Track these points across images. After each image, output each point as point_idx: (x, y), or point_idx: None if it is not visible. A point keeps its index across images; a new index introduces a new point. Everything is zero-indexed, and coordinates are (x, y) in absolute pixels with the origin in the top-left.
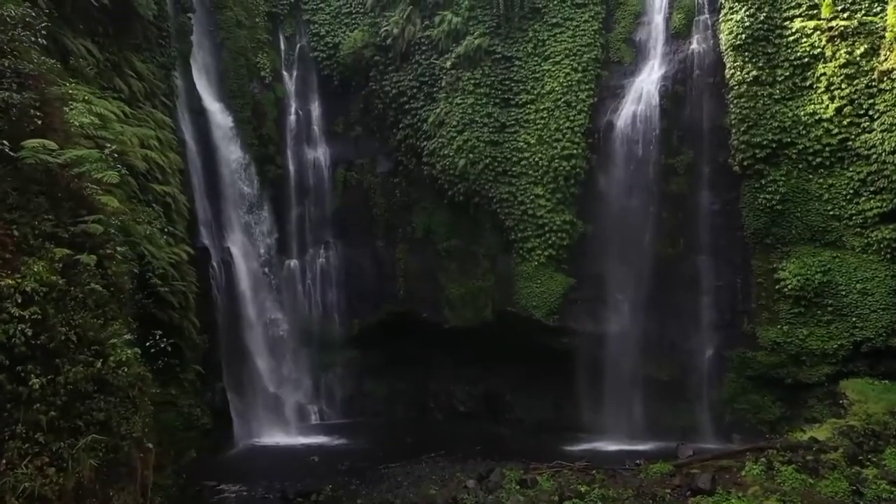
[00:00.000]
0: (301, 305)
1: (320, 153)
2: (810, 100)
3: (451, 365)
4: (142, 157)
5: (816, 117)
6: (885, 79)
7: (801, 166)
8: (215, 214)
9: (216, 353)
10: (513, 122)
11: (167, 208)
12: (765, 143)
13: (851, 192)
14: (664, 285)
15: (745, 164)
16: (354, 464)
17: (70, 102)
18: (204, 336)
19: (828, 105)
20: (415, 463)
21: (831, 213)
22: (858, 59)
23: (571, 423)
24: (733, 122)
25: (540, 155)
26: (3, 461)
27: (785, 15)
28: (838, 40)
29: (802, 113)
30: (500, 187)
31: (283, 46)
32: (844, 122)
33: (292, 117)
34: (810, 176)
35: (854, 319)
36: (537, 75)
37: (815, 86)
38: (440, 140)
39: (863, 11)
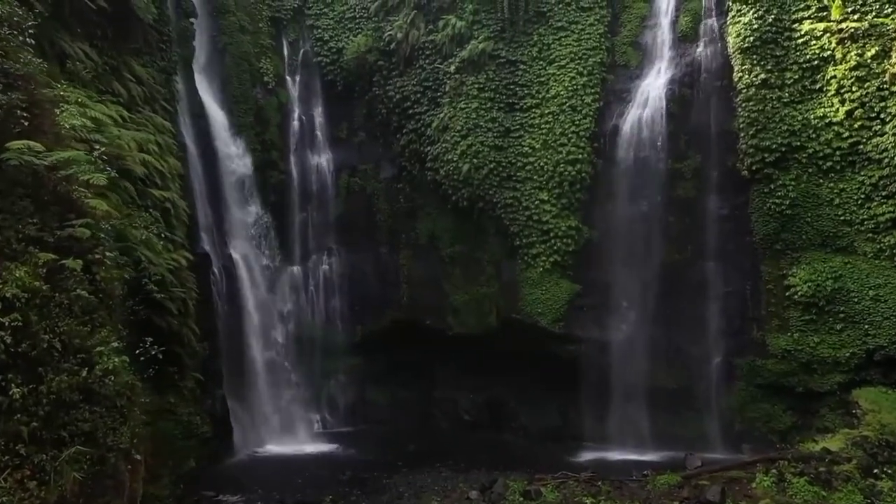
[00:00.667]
0: (303, 312)
1: (324, 158)
2: (820, 103)
3: (455, 372)
4: (140, 161)
5: (826, 121)
6: None
7: (811, 170)
8: (217, 220)
9: (217, 361)
10: (517, 126)
11: (166, 213)
12: (774, 146)
13: (863, 196)
14: (671, 292)
15: (754, 168)
16: (356, 473)
17: (62, 105)
18: (204, 343)
19: (838, 108)
20: (417, 473)
21: (842, 218)
22: (869, 61)
23: (577, 431)
24: (742, 125)
25: (545, 160)
26: None
27: (794, 17)
28: (848, 42)
29: (812, 116)
30: (504, 192)
31: (286, 51)
32: (855, 126)
33: (295, 122)
34: (821, 180)
35: (866, 327)
36: (542, 79)
37: (824, 89)
38: (444, 145)
39: (873, 13)
